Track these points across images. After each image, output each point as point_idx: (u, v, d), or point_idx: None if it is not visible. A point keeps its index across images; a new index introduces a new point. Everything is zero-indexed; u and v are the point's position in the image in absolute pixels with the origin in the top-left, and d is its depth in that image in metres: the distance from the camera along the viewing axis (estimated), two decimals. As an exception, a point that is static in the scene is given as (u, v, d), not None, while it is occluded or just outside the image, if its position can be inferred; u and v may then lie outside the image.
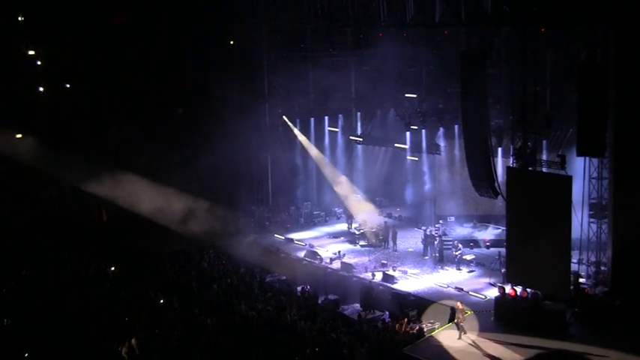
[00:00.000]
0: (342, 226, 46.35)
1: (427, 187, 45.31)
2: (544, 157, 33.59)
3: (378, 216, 45.16)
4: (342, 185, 47.57)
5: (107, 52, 43.86)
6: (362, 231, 43.52)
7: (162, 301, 32.80)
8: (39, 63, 46.16)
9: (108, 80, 44.75)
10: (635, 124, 29.36)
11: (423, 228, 42.43)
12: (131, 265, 38.08)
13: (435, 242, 40.09)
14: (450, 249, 39.19)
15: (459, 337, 29.43)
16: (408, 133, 43.54)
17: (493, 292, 32.64)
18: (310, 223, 47.67)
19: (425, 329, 30.42)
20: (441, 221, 44.12)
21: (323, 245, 42.89)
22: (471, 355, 27.93)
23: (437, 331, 30.52)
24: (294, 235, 45.06)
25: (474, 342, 28.97)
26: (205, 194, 43.29)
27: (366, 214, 45.18)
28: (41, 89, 46.55)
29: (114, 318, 30.43)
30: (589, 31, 30.75)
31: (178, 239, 42.51)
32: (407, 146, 43.70)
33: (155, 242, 42.12)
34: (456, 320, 30.20)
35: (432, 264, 38.95)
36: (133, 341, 27.57)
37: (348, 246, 42.61)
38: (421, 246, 41.00)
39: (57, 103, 45.68)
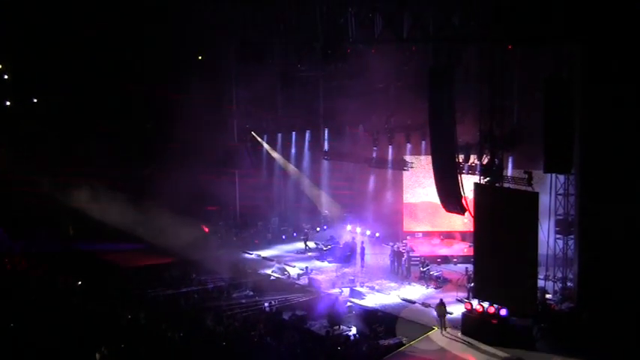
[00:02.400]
0: (310, 242, 46.29)
1: (394, 203, 45.42)
2: (510, 173, 33.82)
3: (346, 231, 45.13)
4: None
5: (75, 66, 43.55)
6: (328, 247, 43.61)
7: (129, 315, 32.56)
8: (6, 77, 45.89)
9: (75, 94, 44.41)
10: (601, 140, 29.55)
11: (391, 244, 42.46)
12: (98, 279, 37.80)
13: (403, 258, 40.14)
14: (417, 265, 39.25)
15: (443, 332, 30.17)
16: (374, 149, 43.69)
17: (460, 308, 32.67)
18: (278, 238, 47.60)
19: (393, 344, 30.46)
20: (408, 237, 44.25)
21: (290, 261, 42.82)
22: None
23: (405, 346, 30.51)
24: (261, 251, 44.99)
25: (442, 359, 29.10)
26: (173, 209, 43.06)
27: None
28: (8, 103, 46.28)
29: (80, 332, 30.15)
30: (555, 48, 30.98)
31: (146, 253, 42.32)
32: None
33: (122, 257, 41.87)
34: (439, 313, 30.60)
35: (400, 280, 38.97)
36: (98, 356, 27.33)
37: (315, 262, 42.54)
38: (389, 262, 41.03)
39: (24, 117, 45.36)
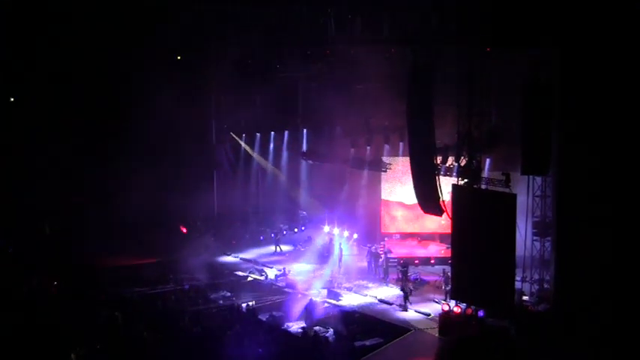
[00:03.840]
0: (287, 242, 46.23)
1: (372, 204, 45.45)
2: (487, 174, 33.93)
3: (324, 232, 45.08)
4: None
5: (52, 65, 43.28)
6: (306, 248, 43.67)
7: (105, 315, 32.41)
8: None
9: (52, 93, 44.13)
10: (578, 143, 29.67)
11: (368, 245, 42.47)
12: (73, 279, 37.59)
13: (380, 260, 40.18)
14: (394, 266, 39.28)
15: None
16: (352, 150, 43.74)
17: (438, 310, 32.71)
18: (256, 239, 47.51)
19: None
20: (386, 238, 44.28)
21: (268, 262, 42.78)
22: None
23: (382, 347, 30.51)
24: (239, 252, 44.94)
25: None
26: (149, 209, 42.90)
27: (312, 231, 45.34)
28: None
29: (55, 332, 30.00)
30: (533, 51, 31.09)
31: (122, 254, 42.20)
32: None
33: (98, 257, 41.68)
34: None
35: (377, 281, 39.01)
36: (73, 356, 27.20)
37: (293, 262, 42.48)
38: (366, 263, 41.04)
39: (1, 115, 45.06)
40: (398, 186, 44.18)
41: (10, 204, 42.63)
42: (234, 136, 48.51)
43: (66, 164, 44.27)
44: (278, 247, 45.48)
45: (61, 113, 43.92)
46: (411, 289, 36.21)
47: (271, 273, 40.40)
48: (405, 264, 38.18)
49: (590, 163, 29.16)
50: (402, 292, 35.69)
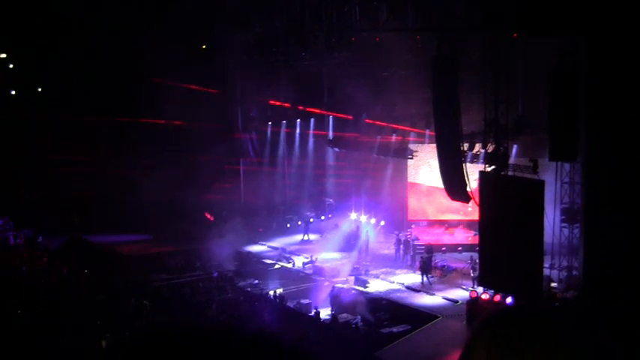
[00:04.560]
0: (314, 230, 46.30)
1: (399, 191, 45.41)
2: (514, 161, 33.86)
3: (351, 220, 45.12)
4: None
5: (80, 56, 43.48)
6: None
7: (133, 304, 32.62)
8: (11, 66, 45.92)
9: (80, 84, 44.35)
10: (605, 129, 29.52)
11: (395, 232, 42.49)
12: (102, 268, 37.84)
13: (408, 247, 40.18)
14: (421, 253, 39.26)
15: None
16: (378, 137, 43.69)
17: (466, 297, 32.69)
18: (283, 227, 47.60)
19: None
20: (413, 226, 44.25)
21: (295, 249, 42.86)
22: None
23: (410, 334, 30.54)
24: (266, 239, 45.06)
25: (446, 348, 29.07)
26: (175, 198, 43.08)
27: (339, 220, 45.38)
28: (13, 92, 46.33)
29: (85, 320, 30.24)
30: (560, 38, 30.94)
31: (148, 243, 42.44)
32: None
33: (125, 246, 41.95)
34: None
35: (404, 268, 39.02)
36: (103, 343, 27.41)
37: (320, 250, 42.53)
38: (393, 250, 41.07)
39: (29, 106, 45.35)
40: (424, 173, 44.08)
41: (39, 194, 42.91)
42: (260, 124, 48.60)
43: (92, 154, 44.55)
44: (306, 235, 45.56)
45: (86, 103, 44.08)
46: (432, 275, 36.42)
47: (298, 261, 40.52)
48: (430, 250, 38.25)
49: (619, 149, 29.00)
50: (422, 275, 36.04)
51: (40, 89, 46.80)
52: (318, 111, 48.70)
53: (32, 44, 43.58)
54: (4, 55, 45.49)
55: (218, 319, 30.94)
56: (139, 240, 43.03)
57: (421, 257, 38.27)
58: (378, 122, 44.32)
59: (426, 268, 37.05)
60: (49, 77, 45.22)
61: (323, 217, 48.34)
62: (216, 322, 30.70)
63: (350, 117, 46.80)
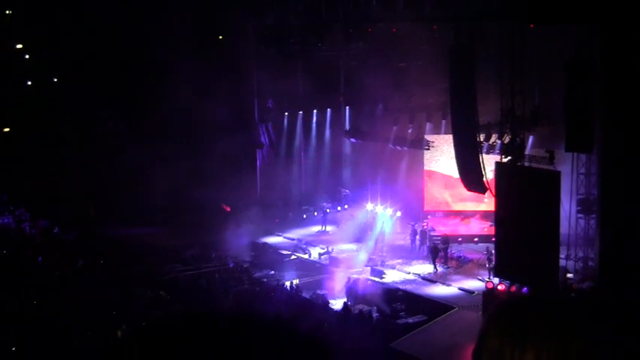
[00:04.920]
0: (330, 221, 46.30)
1: (415, 182, 45.35)
2: (530, 152, 33.77)
3: (367, 211, 45.09)
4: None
5: (97, 47, 43.58)
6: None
7: (149, 294, 32.77)
8: (27, 57, 46.08)
9: (96, 75, 44.45)
10: (622, 120, 29.42)
11: (412, 223, 42.43)
12: (118, 259, 37.98)
13: (424, 237, 40.14)
14: (438, 244, 39.22)
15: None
16: (395, 128, 43.64)
17: (482, 288, 32.70)
18: (299, 217, 47.59)
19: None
20: (429, 216, 44.18)
21: (311, 240, 42.88)
22: (459, 351, 27.99)
23: (426, 325, 30.57)
24: (282, 230, 45.07)
25: (462, 338, 29.07)
26: (193, 190, 43.13)
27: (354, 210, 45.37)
28: (29, 83, 46.50)
29: (101, 311, 30.39)
30: (576, 28, 30.83)
31: (164, 234, 42.55)
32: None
33: (141, 237, 42.06)
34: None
35: (420, 259, 39.00)
36: (119, 333, 27.55)
37: (336, 241, 42.52)
38: (409, 241, 41.04)
39: (45, 97, 45.51)
40: (440, 164, 43.99)
41: (55, 186, 43.04)
42: (275, 114, 48.61)
43: (106, 144, 44.73)
44: (322, 226, 45.56)
45: (101, 94, 44.23)
46: (448, 266, 36.44)
47: (314, 251, 40.52)
48: (445, 241, 38.25)
49: (635, 139, 28.88)
50: (436, 266, 36.11)
51: (55, 80, 46.91)
52: (334, 102, 48.60)
53: (47, 34, 43.71)
54: (20, 46, 45.65)
55: (234, 310, 31.04)
56: (155, 231, 43.09)
57: (433, 243, 38.31)
58: (394, 113, 44.27)
59: (434, 253, 37.14)
60: (64, 68, 45.35)
61: (339, 208, 48.25)
62: (232, 312, 30.77)
63: (366, 107, 46.76)
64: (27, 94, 46.21)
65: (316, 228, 45.68)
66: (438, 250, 38.01)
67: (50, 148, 43.63)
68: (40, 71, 46.27)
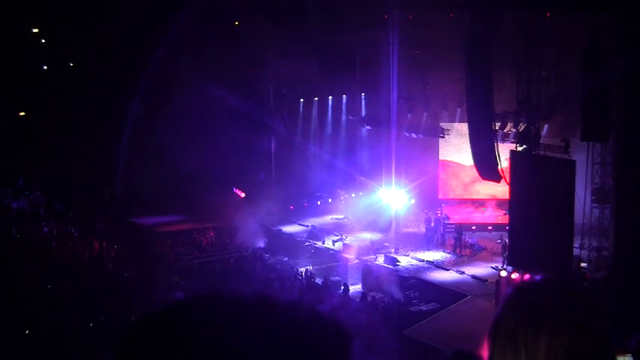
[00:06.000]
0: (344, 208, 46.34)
1: (430, 170, 45.31)
2: (545, 141, 33.71)
3: (381, 198, 45.07)
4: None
5: (112, 31, 43.58)
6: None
7: (163, 281, 32.93)
8: (43, 41, 46.16)
9: (112, 59, 44.47)
10: (638, 110, 29.33)
11: (425, 211, 42.41)
12: (133, 244, 38.13)
13: (438, 225, 40.15)
14: (451, 232, 39.24)
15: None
16: (409, 116, 43.61)
17: (495, 276, 32.69)
18: (313, 204, 47.62)
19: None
20: (443, 204, 44.14)
21: (325, 227, 42.93)
22: (472, 338, 28.00)
23: (439, 312, 30.60)
24: (296, 217, 45.14)
25: (474, 326, 29.09)
26: (205, 175, 43.19)
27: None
28: (45, 67, 46.61)
29: (115, 297, 30.55)
30: (593, 16, 30.73)
31: (178, 219, 42.68)
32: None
33: (155, 223, 42.22)
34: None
35: (434, 247, 39.02)
36: (133, 318, 27.69)
37: (350, 228, 42.56)
38: (424, 229, 41.03)
39: (60, 81, 45.59)
40: (455, 152, 43.99)
41: (70, 170, 43.16)
42: (290, 100, 48.62)
43: (120, 129, 44.85)
44: (337, 213, 45.61)
45: (114, 79, 44.26)
46: (462, 254, 36.52)
47: (328, 238, 40.53)
48: (459, 229, 38.25)
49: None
50: (453, 256, 36.06)
51: (71, 64, 47.00)
52: (350, 88, 48.54)
53: (65, 19, 43.71)
54: (36, 30, 45.73)
55: (248, 295, 31.10)
56: (169, 216, 43.22)
57: (447, 231, 38.41)
58: (409, 100, 44.22)
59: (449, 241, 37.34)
60: (81, 52, 45.39)
61: (354, 195, 48.28)
62: (246, 297, 30.85)
63: (382, 95, 46.70)
64: (42, 78, 46.27)
65: (330, 215, 45.72)
66: (452, 239, 38.09)
67: (65, 132, 43.65)
68: (55, 55, 46.32)
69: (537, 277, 3.16)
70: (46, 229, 38.81)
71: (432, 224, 40.44)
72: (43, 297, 30.35)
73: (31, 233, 38.34)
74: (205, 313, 2.38)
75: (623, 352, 3.21)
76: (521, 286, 3.17)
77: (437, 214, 41.62)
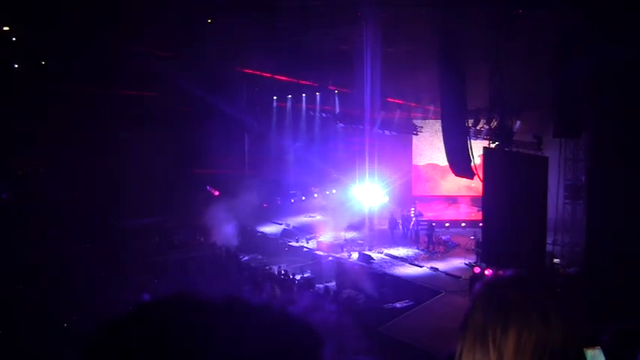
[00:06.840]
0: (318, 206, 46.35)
1: (404, 167, 45.41)
2: (518, 138, 33.84)
3: (355, 195, 45.09)
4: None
5: (86, 27, 43.24)
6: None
7: (136, 280, 32.73)
8: (13, 39, 45.78)
9: (87, 57, 44.15)
10: (610, 106, 29.48)
11: (399, 208, 42.50)
12: (105, 243, 37.87)
13: (411, 223, 40.25)
14: (425, 229, 39.34)
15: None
16: (382, 113, 43.65)
17: (469, 273, 32.80)
18: (287, 202, 47.62)
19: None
20: (417, 201, 44.27)
21: (299, 225, 42.93)
22: (446, 335, 28.06)
23: (413, 309, 30.63)
24: (270, 215, 45.10)
25: (448, 323, 29.15)
26: (178, 172, 43.07)
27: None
28: (16, 66, 46.22)
29: (90, 296, 30.35)
30: (565, 12, 30.83)
31: (155, 219, 42.53)
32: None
33: (128, 221, 42.00)
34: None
35: (408, 244, 39.10)
36: (101, 318, 27.50)
37: (324, 226, 42.55)
38: (394, 227, 41.09)
39: (33, 80, 45.20)
40: (428, 149, 44.10)
41: (40, 169, 42.93)
42: (263, 98, 48.55)
43: (96, 128, 44.58)
44: (311, 211, 45.61)
45: (89, 76, 43.97)
46: (436, 251, 36.62)
47: (302, 236, 40.55)
48: (430, 226, 38.37)
49: (623, 126, 28.96)
50: (427, 253, 36.17)
51: (43, 62, 46.63)
52: (323, 86, 48.52)
53: (35, 17, 43.34)
54: (6, 28, 45.33)
55: (223, 294, 31.00)
56: (142, 214, 43.01)
57: (420, 228, 38.49)
58: (383, 97, 44.23)
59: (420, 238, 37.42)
60: (53, 50, 45.00)
61: (327, 192, 48.33)
62: (221, 297, 30.77)
63: (355, 92, 46.70)
64: (13, 77, 45.91)
65: (304, 213, 45.73)
66: (424, 235, 38.22)
67: (35, 130, 43.33)
68: (27, 54, 45.93)
69: (506, 273, 3.16)
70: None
71: (400, 220, 40.56)
72: (13, 297, 30.12)
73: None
74: (172, 315, 2.36)
75: (593, 346, 3.19)
76: (490, 281, 3.16)
77: (410, 211, 41.68)
